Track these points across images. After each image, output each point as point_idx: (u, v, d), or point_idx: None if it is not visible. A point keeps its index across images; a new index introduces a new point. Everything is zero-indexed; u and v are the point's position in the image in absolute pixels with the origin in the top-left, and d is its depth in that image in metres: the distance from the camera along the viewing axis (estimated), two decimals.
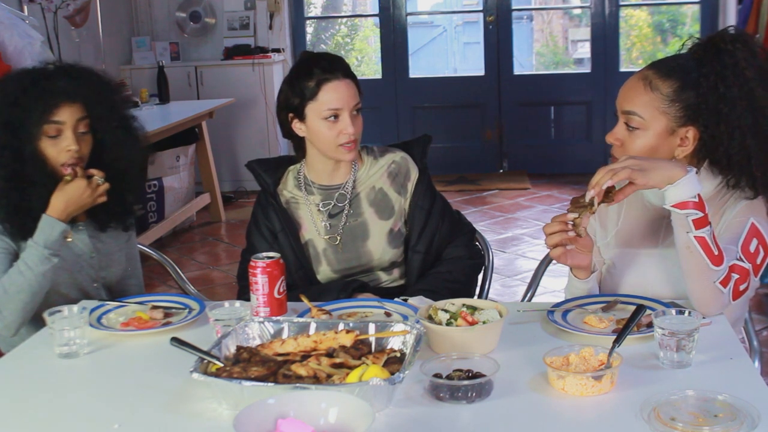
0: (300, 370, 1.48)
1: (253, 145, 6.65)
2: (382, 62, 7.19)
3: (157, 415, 1.49)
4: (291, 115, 2.20)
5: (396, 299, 2.00)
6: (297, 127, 2.20)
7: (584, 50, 7.37)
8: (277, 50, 6.82)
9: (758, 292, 3.81)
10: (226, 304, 1.82)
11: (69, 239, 2.08)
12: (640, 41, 7.44)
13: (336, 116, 2.14)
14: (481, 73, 7.09)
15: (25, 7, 5.30)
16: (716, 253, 1.71)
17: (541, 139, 7.11)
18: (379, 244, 2.24)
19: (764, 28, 4.72)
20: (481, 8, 7.08)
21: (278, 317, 1.71)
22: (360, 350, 1.57)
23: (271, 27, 6.88)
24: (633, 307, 1.69)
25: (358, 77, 2.22)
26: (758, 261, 1.80)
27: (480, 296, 2.40)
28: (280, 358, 1.54)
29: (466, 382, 1.46)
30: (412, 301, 1.97)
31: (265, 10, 6.86)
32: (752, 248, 1.79)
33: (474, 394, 1.46)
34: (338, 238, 2.25)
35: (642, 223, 1.98)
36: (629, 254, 1.98)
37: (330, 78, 2.14)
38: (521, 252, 5.13)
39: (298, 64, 2.22)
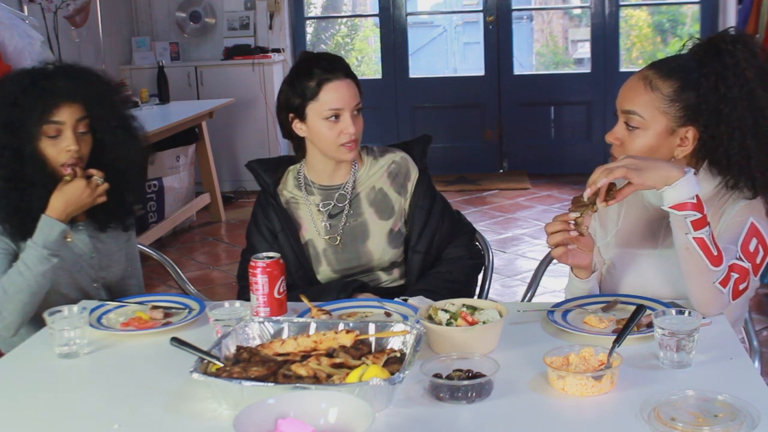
0: (300, 370, 1.48)
1: (253, 145, 6.66)
2: (382, 62, 7.19)
3: (157, 415, 1.49)
4: (291, 115, 2.20)
5: (396, 299, 2.00)
6: (297, 127, 2.20)
7: (584, 50, 7.37)
8: (277, 50, 6.82)
9: (758, 292, 3.81)
10: (226, 304, 1.82)
11: (69, 239, 2.07)
12: (640, 41, 7.44)
13: (337, 116, 2.14)
14: (481, 73, 7.09)
15: (25, 7, 5.30)
16: (715, 253, 1.71)
17: (541, 139, 7.11)
18: (379, 244, 2.24)
19: (764, 28, 4.72)
20: (481, 8, 7.08)
21: (278, 317, 1.71)
22: (360, 350, 1.57)
23: (271, 27, 6.88)
24: (633, 307, 1.69)
25: (358, 77, 2.22)
26: (758, 260, 1.80)
27: (480, 296, 2.40)
28: (280, 358, 1.54)
29: (466, 382, 1.46)
30: (412, 301, 1.97)
31: (265, 10, 6.86)
32: (752, 248, 1.79)
33: (474, 394, 1.46)
34: (338, 238, 2.25)
35: (642, 223, 1.99)
36: (629, 254, 1.98)
37: (331, 78, 2.14)
38: (521, 252, 5.13)
39: (298, 64, 2.22)
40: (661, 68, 1.86)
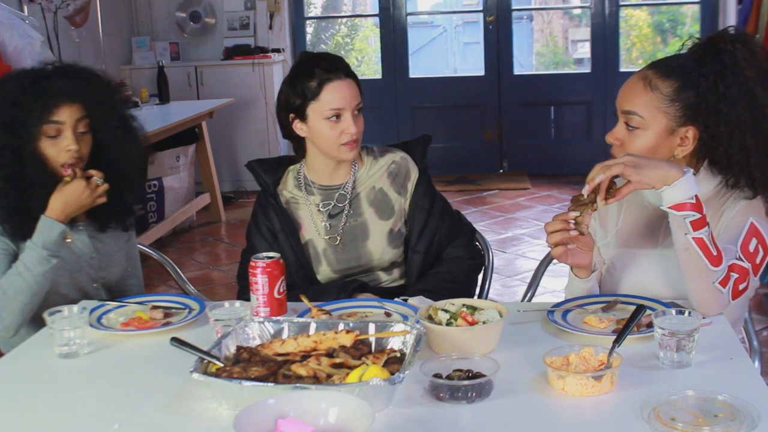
0: (300, 370, 1.48)
1: (253, 145, 6.66)
2: (382, 62, 7.19)
3: (157, 415, 1.49)
4: (292, 115, 2.20)
5: (396, 299, 2.00)
6: (298, 127, 2.20)
7: (584, 50, 7.37)
8: (277, 50, 6.82)
9: (758, 292, 3.81)
10: (226, 304, 1.82)
11: (68, 240, 2.07)
12: (640, 41, 7.44)
13: (338, 116, 2.14)
14: (481, 73, 7.09)
15: (25, 7, 5.30)
16: (715, 253, 1.71)
17: (541, 139, 7.11)
18: (379, 244, 2.24)
19: (764, 28, 4.72)
20: (481, 8, 7.08)
21: (278, 317, 1.71)
22: (360, 350, 1.57)
23: (271, 27, 6.88)
24: (633, 307, 1.69)
25: (359, 77, 2.22)
26: (757, 260, 1.80)
27: (480, 296, 2.40)
28: (280, 358, 1.54)
29: (466, 382, 1.46)
30: (412, 301, 1.97)
31: (265, 10, 6.86)
32: (751, 248, 1.79)
33: (474, 394, 1.46)
34: (338, 238, 2.25)
35: (641, 223, 1.98)
36: (629, 254, 1.98)
37: (332, 78, 2.14)
38: (521, 252, 5.13)
39: (298, 64, 2.22)
40: (661, 68, 1.86)
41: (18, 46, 4.32)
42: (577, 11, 7.80)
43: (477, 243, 2.39)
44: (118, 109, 2.20)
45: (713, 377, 1.53)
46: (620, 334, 1.59)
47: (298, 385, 1.42)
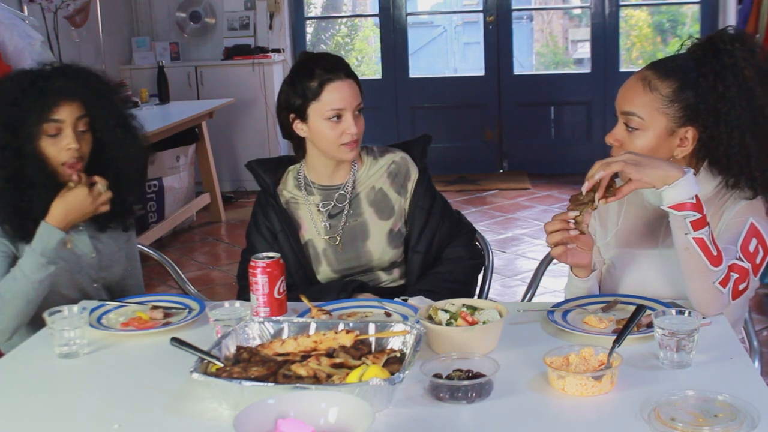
0: (300, 370, 1.48)
1: (253, 145, 6.66)
2: (382, 62, 7.19)
3: (157, 415, 1.49)
4: (292, 115, 2.19)
5: (396, 299, 2.00)
6: (298, 127, 2.20)
7: (584, 50, 7.37)
8: (277, 50, 6.82)
9: (758, 292, 3.81)
10: (226, 304, 1.81)
11: (69, 247, 2.07)
12: (640, 41, 7.44)
13: (339, 116, 2.14)
14: (481, 73, 7.09)
15: (25, 7, 5.30)
16: (715, 253, 1.71)
17: (541, 139, 7.11)
18: (379, 244, 2.24)
19: (764, 28, 4.72)
20: (481, 8, 7.08)
21: (278, 317, 1.71)
22: (360, 350, 1.57)
23: (271, 27, 6.88)
24: (633, 307, 1.69)
25: (359, 77, 2.22)
26: (757, 261, 1.80)
27: (480, 296, 2.40)
28: (280, 358, 1.54)
29: (466, 382, 1.46)
30: (412, 301, 1.97)
31: (265, 10, 6.86)
32: (751, 248, 1.79)
33: (474, 394, 1.46)
34: (338, 238, 2.25)
35: (641, 223, 1.98)
36: (629, 254, 1.98)
37: (333, 78, 2.14)
38: (521, 252, 5.13)
39: (299, 64, 2.22)
40: (660, 68, 1.86)
41: (18, 46, 4.32)
42: (577, 11, 7.80)
43: (477, 243, 2.39)
44: (117, 107, 2.20)
45: (713, 377, 1.53)
46: (620, 334, 1.59)
47: (298, 385, 1.42)
